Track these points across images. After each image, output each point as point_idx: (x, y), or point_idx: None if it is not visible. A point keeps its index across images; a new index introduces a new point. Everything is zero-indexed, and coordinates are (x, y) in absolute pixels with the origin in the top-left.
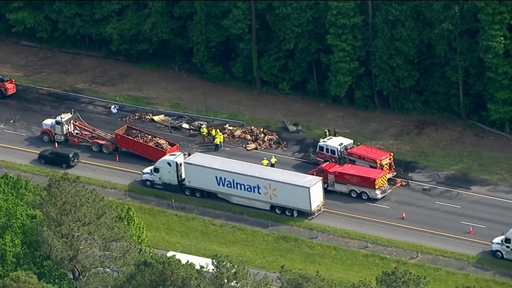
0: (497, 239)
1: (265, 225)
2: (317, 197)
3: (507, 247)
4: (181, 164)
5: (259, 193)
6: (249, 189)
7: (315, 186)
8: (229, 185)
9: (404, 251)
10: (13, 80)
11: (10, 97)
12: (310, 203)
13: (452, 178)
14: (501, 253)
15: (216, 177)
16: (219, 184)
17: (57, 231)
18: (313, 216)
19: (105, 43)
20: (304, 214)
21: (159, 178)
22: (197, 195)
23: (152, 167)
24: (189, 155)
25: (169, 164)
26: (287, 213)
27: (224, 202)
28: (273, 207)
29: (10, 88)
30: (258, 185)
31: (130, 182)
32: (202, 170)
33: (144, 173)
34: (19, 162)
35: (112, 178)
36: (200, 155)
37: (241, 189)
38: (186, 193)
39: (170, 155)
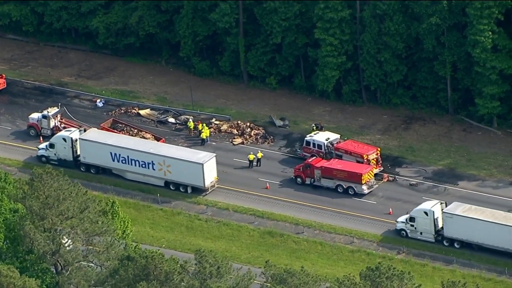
0: (402, 218)
1: (250, 220)
2: (211, 174)
3: (412, 225)
4: (76, 140)
5: (154, 169)
6: (143, 165)
7: (209, 162)
8: (123, 161)
9: (391, 247)
10: (4, 75)
11: (0, 92)
12: (204, 179)
13: (440, 173)
14: (406, 231)
15: (111, 153)
16: (113, 160)
17: (40, 225)
18: (207, 193)
19: (92, 36)
20: (199, 190)
21: (55, 154)
22: (92, 171)
23: (47, 142)
24: (84, 131)
25: (64, 139)
26: (181, 190)
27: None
28: (167, 183)
29: (0, 83)
30: (152, 161)
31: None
32: (97, 146)
33: (39, 149)
34: (4, 156)
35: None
36: (95, 131)
37: (135, 165)
38: (81, 169)
39: (66, 130)
